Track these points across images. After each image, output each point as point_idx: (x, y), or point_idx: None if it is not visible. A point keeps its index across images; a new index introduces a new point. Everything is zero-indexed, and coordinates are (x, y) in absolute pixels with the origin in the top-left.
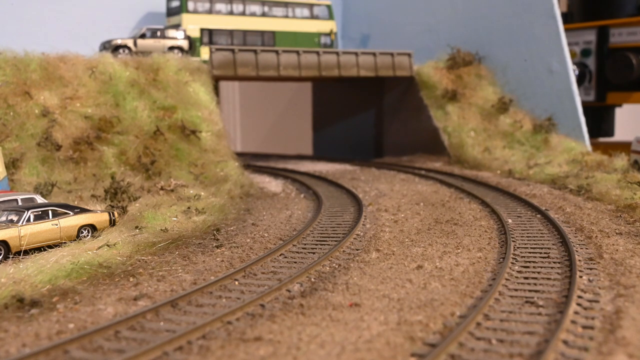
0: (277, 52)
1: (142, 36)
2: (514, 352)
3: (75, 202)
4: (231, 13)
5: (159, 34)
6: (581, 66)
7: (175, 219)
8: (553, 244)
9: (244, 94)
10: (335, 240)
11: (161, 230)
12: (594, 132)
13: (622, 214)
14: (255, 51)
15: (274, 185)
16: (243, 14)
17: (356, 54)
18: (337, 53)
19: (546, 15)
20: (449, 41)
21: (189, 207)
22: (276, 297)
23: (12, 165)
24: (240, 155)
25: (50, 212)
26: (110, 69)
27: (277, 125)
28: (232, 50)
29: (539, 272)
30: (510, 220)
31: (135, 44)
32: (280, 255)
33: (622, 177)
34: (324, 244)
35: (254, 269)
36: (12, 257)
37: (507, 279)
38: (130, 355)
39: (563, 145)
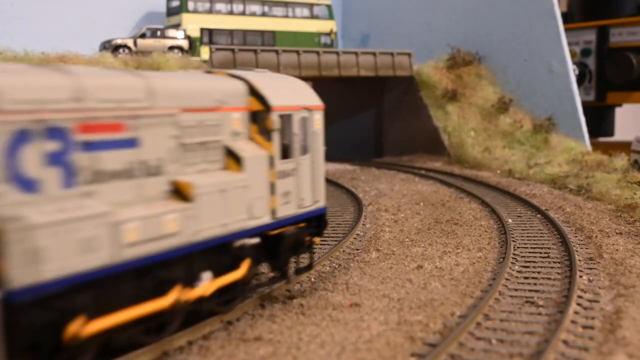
0: (277, 51)
1: (142, 36)
2: (514, 352)
3: None
4: (231, 13)
5: (159, 33)
6: (581, 66)
7: None
8: (553, 244)
9: None
10: (335, 240)
11: None
12: (594, 132)
13: (622, 213)
14: (255, 51)
15: None
16: (243, 13)
17: (356, 53)
18: (337, 53)
19: (546, 15)
20: (449, 41)
21: None
22: (276, 297)
23: None
24: None
25: None
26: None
27: None
28: (232, 50)
29: (539, 272)
30: (510, 220)
31: (135, 43)
32: None
33: (622, 177)
34: (324, 244)
35: None
36: None
37: (507, 279)
38: (130, 355)
39: (563, 145)
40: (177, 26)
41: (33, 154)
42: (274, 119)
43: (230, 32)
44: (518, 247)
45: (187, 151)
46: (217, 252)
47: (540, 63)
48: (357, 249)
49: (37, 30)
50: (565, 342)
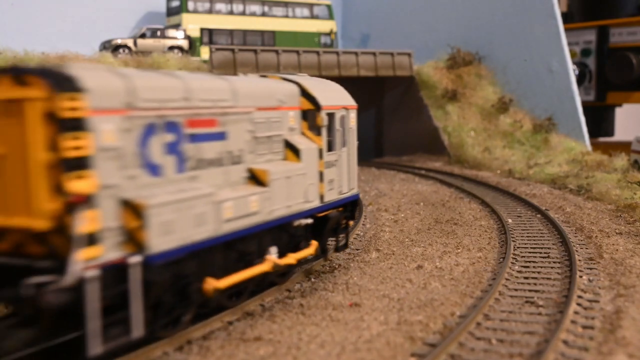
0: (277, 51)
1: (142, 36)
2: (514, 352)
3: None
4: (231, 13)
5: (159, 33)
6: (581, 66)
7: None
8: (553, 244)
9: None
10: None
11: None
12: (594, 132)
13: (622, 213)
14: (255, 51)
15: None
16: (243, 13)
17: (356, 53)
18: (337, 53)
19: (546, 15)
20: (449, 41)
21: None
22: (276, 297)
23: None
24: None
25: None
26: None
27: None
28: (232, 50)
29: (539, 272)
30: (510, 220)
31: (135, 43)
32: None
33: (622, 177)
34: None
35: None
36: None
37: (507, 279)
38: (130, 355)
39: (563, 145)
40: (177, 26)
41: (157, 144)
42: (323, 117)
43: (230, 32)
44: (518, 247)
45: (258, 143)
46: (280, 230)
47: (540, 63)
48: (357, 249)
49: (37, 30)
50: (565, 342)
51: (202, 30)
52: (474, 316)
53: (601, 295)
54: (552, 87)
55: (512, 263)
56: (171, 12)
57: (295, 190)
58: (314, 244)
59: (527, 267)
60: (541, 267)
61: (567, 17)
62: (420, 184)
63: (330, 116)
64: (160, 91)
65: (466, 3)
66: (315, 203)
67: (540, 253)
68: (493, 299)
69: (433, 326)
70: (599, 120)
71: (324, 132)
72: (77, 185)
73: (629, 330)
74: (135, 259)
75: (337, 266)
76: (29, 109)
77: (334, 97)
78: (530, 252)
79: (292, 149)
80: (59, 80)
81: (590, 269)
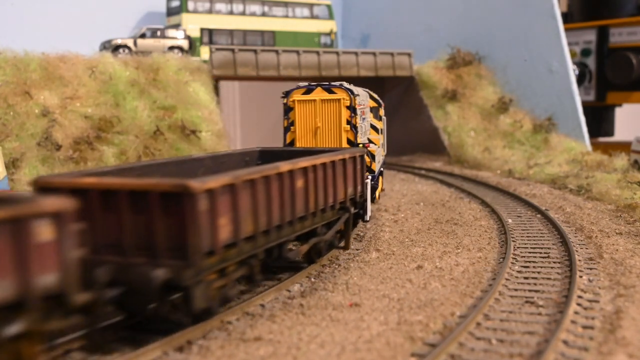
0: (277, 51)
1: (142, 36)
2: (514, 352)
3: None
4: (231, 13)
5: (159, 33)
6: (581, 66)
7: None
8: (553, 244)
9: (244, 94)
10: None
11: None
12: (594, 132)
13: (622, 213)
14: (255, 51)
15: None
16: (243, 13)
17: (356, 53)
18: (337, 53)
19: (546, 15)
20: (449, 41)
21: None
22: (276, 297)
23: (12, 165)
24: None
25: None
26: (110, 69)
27: (277, 125)
28: (232, 50)
29: (539, 272)
30: (510, 220)
31: (135, 43)
32: None
33: (622, 177)
34: None
35: None
36: None
37: (507, 279)
38: (130, 355)
39: (563, 145)
40: (177, 26)
41: (361, 121)
42: (383, 110)
43: (230, 32)
44: (518, 247)
45: (366, 123)
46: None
47: (540, 63)
48: (357, 249)
49: (37, 30)
50: (565, 342)
51: (202, 30)
52: (474, 316)
53: (601, 295)
54: (552, 87)
55: (512, 263)
56: (171, 12)
57: (381, 152)
58: (381, 181)
59: (527, 267)
60: (541, 267)
61: (567, 17)
62: (420, 184)
63: (383, 109)
64: (362, 97)
65: (466, 3)
66: (381, 160)
67: (540, 253)
68: (493, 299)
69: (433, 326)
70: (599, 120)
71: (382, 119)
72: (360, 139)
73: (629, 330)
74: (370, 176)
75: (337, 266)
76: (342, 104)
77: (380, 98)
78: (530, 252)
79: (374, 129)
80: (349, 91)
81: (590, 269)
